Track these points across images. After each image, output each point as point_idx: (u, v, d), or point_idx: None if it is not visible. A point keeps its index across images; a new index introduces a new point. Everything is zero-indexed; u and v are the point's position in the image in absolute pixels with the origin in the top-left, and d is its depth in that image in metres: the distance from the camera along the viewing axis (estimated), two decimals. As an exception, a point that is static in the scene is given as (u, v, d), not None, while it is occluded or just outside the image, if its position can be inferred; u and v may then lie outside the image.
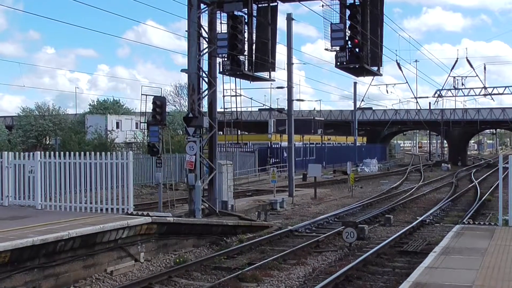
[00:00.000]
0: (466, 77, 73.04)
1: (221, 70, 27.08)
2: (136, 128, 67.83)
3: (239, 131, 57.77)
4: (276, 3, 28.70)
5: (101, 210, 18.09)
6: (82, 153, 18.59)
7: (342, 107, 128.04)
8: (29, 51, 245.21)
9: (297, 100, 58.84)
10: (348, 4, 26.31)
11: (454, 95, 76.43)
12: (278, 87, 50.20)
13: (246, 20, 27.49)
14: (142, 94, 26.74)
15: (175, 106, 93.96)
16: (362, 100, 79.20)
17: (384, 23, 30.42)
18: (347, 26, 27.80)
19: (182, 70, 25.17)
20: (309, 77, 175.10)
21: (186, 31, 24.01)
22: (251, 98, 61.26)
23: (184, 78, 28.62)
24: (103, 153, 18.37)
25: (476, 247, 15.43)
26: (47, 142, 68.70)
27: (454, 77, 73.59)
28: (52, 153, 18.90)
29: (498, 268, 12.89)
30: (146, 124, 27.06)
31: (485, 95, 73.37)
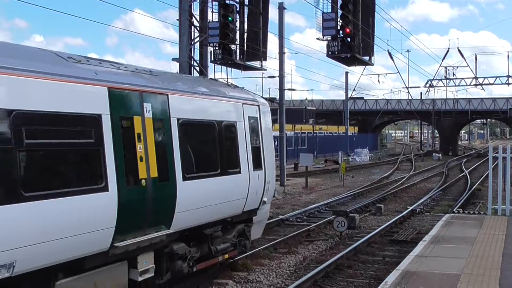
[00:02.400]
0: (457, 67, 73.11)
1: (212, 59, 27.02)
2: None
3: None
4: (267, -8, 28.68)
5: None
6: None
7: (333, 96, 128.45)
8: (17, 40, 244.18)
9: (289, 89, 58.80)
10: (339, -7, 26.25)
11: (445, 85, 76.54)
12: (269, 77, 50.03)
13: (237, 9, 27.44)
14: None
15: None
16: (354, 89, 79.18)
17: (375, 13, 30.45)
18: (338, 16, 27.80)
19: (173, 59, 25.08)
20: (299, 66, 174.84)
21: (177, 19, 23.91)
22: (242, 88, 61.11)
23: (174, 68, 28.67)
24: None
25: (465, 236, 15.55)
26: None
27: (445, 67, 73.67)
28: None
29: (487, 257, 13.00)
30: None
31: (476, 85, 73.52)
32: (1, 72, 7.98)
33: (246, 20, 29.09)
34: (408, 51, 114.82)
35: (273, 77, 46.13)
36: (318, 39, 28.73)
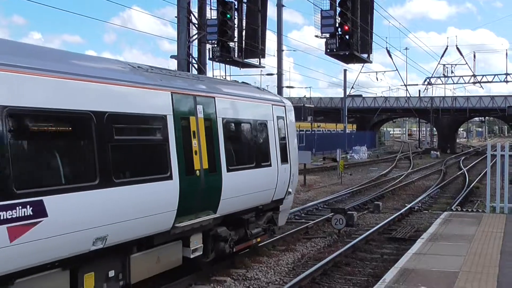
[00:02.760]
0: (455, 65, 73.14)
1: (210, 56, 27.02)
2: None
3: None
4: (266, -10, 28.65)
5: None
6: None
7: (331, 94, 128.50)
8: (15, 37, 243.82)
9: (287, 87, 58.88)
10: (338, -10, 26.23)
11: (443, 83, 76.59)
12: (268, 74, 50.04)
13: (236, 6, 27.43)
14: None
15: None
16: (352, 87, 79.23)
17: (374, 10, 30.44)
18: (337, 13, 27.80)
19: (172, 56, 25.02)
20: (297, 64, 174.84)
21: (175, 17, 23.88)
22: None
23: (172, 65, 28.69)
24: None
25: (463, 234, 15.55)
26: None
27: (444, 65, 73.69)
28: None
29: (485, 255, 13.00)
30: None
31: (474, 83, 73.55)
32: (107, 82, 10.03)
33: (244, 18, 29.10)
34: (406, 48, 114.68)
35: (271, 74, 46.12)
36: (316, 36, 28.76)
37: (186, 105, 12.18)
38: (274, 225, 16.61)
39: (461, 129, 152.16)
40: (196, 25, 24.76)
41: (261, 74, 51.12)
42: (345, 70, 74.74)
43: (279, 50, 36.66)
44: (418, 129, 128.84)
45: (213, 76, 26.65)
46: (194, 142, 12.26)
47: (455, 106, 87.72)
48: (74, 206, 8.99)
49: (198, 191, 12.22)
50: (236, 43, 28.15)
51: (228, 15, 26.07)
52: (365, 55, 31.08)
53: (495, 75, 73.82)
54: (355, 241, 17.80)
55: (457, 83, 75.73)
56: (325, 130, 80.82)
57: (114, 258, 10.41)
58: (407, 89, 78.13)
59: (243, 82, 17.64)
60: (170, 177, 11.21)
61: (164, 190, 11.10)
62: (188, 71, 23.37)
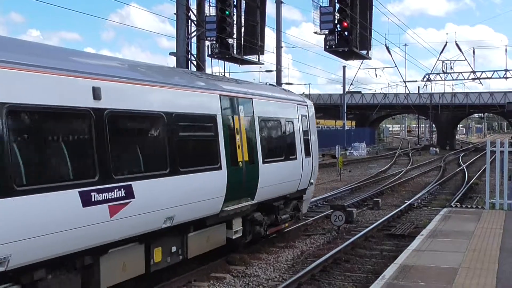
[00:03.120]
0: (454, 61, 73.11)
1: (209, 53, 26.99)
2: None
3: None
4: (265, -14, 28.60)
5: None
6: None
7: (329, 90, 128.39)
8: (14, 34, 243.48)
9: (286, 83, 58.63)
10: (337, -13, 26.19)
11: (443, 79, 76.53)
12: (267, 71, 49.89)
13: (235, 3, 27.38)
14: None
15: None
16: (351, 83, 79.23)
17: (373, 7, 30.39)
18: (336, 9, 27.75)
19: (171, 53, 25.03)
20: (296, 60, 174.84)
21: (174, 14, 23.86)
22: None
23: (171, 62, 28.70)
24: None
25: (463, 230, 15.55)
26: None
27: (443, 61, 73.68)
28: None
29: (484, 251, 13.00)
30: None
31: (473, 79, 73.54)
32: (175, 88, 12.18)
33: (243, 14, 29.06)
34: (405, 45, 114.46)
35: (270, 71, 46.05)
36: (315, 33, 28.73)
37: (231, 106, 14.13)
38: (299, 212, 18.61)
39: (460, 125, 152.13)
40: (195, 22, 24.76)
41: (260, 71, 51.08)
42: (344, 67, 74.74)
43: (278, 47, 36.61)
44: (417, 125, 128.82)
45: (212, 72, 26.65)
46: (237, 137, 14.18)
47: (454, 103, 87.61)
48: (152, 190, 10.86)
49: (241, 180, 14.16)
50: (235, 39, 28.13)
51: (227, 12, 26.05)
52: (364, 52, 31.04)
53: (494, 71, 73.83)
54: (354, 237, 17.80)
55: (456, 79, 75.70)
56: (324, 127, 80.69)
57: (176, 236, 12.27)
58: (406, 86, 78.17)
59: (270, 84, 19.89)
60: (220, 168, 13.17)
61: (216, 179, 13.03)
62: (187, 68, 23.36)
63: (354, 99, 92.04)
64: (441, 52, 73.13)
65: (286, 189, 17.10)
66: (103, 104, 9.80)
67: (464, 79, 74.92)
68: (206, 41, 26.01)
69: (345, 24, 27.53)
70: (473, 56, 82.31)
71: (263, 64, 33.15)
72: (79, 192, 9.17)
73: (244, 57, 29.56)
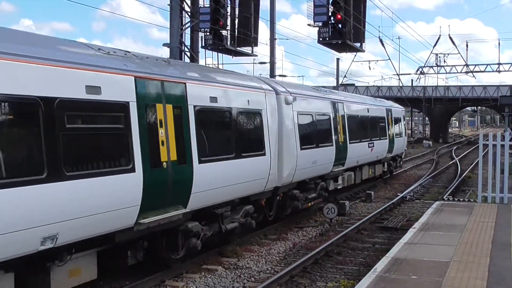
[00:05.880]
0: (448, 54, 73.02)
1: (203, 44, 26.88)
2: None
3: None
4: (259, -23, 28.48)
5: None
6: None
7: (321, 83, 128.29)
8: (6, 24, 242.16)
9: (280, 75, 58.45)
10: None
11: (436, 72, 76.50)
12: (260, 63, 49.69)
13: (229, -6, 27.22)
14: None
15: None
16: (345, 76, 79.04)
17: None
18: (330, 2, 27.67)
19: (164, 45, 24.88)
20: (288, 52, 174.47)
21: (168, 4, 23.71)
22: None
23: (164, 53, 28.51)
24: None
25: (455, 223, 15.57)
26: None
27: (436, 54, 73.61)
28: None
29: (476, 244, 13.02)
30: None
31: (467, 72, 73.49)
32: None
33: (237, 6, 28.95)
34: (399, 38, 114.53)
35: (264, 63, 45.88)
36: (309, 25, 28.65)
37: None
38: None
39: (454, 118, 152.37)
40: (189, 13, 24.61)
41: (253, 63, 50.84)
42: (337, 59, 74.31)
43: (272, 39, 36.46)
44: (410, 118, 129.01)
45: (205, 64, 26.58)
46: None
47: (447, 96, 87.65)
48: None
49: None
50: (229, 31, 28.03)
51: (221, 3, 25.91)
52: (357, 44, 31.01)
53: (487, 64, 73.75)
54: (346, 230, 17.81)
55: (449, 72, 75.66)
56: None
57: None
58: (399, 78, 78.05)
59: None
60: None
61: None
62: (181, 59, 23.25)
63: (347, 92, 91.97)
64: (435, 45, 73.07)
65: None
66: None
67: (458, 72, 74.91)
68: (200, 33, 25.90)
69: (339, 16, 27.46)
70: (467, 50, 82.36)
71: (257, 56, 33.07)
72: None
73: (238, 48, 29.47)
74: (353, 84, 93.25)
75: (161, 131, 11.71)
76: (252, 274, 13.57)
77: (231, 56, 30.60)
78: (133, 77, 11.05)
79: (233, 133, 14.68)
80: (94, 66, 10.19)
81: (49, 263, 9.76)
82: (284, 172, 17.35)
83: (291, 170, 17.79)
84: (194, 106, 12.87)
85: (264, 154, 16.04)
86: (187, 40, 24.78)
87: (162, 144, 11.68)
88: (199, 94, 13.20)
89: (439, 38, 69.99)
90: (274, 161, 16.56)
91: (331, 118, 21.88)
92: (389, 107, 32.32)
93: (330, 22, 27.68)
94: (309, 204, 20.20)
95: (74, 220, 9.42)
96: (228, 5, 27.30)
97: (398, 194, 26.78)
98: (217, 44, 27.34)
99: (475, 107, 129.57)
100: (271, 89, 17.31)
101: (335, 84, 75.49)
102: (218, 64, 28.00)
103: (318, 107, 20.95)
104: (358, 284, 10.23)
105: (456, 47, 69.42)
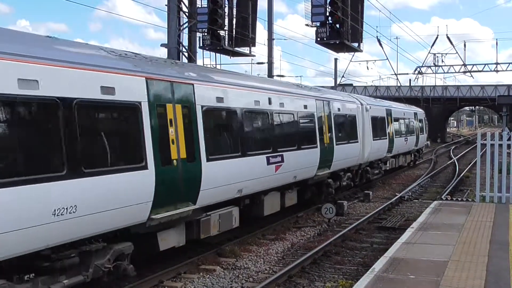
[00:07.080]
0: (446, 54, 73.06)
1: (201, 45, 26.90)
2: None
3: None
4: (256, -22, 28.48)
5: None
6: None
7: (319, 83, 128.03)
8: (4, 25, 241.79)
9: (278, 76, 58.39)
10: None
11: (434, 72, 76.53)
12: (258, 63, 49.92)
13: (226, -5, 27.22)
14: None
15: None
16: (342, 76, 79.04)
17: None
18: (327, 2, 27.67)
19: (162, 45, 24.91)
20: (286, 52, 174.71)
21: (165, 5, 23.72)
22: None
23: (161, 54, 28.46)
24: None
25: (453, 223, 15.56)
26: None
27: (434, 54, 73.65)
28: None
29: (474, 244, 13.02)
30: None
31: (464, 72, 73.56)
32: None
33: (235, 6, 28.95)
34: (397, 38, 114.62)
35: (261, 63, 45.99)
36: (307, 25, 28.68)
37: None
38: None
39: (452, 118, 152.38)
40: (187, 14, 24.62)
41: (251, 63, 50.93)
42: (335, 59, 74.39)
43: (270, 39, 36.44)
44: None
45: (203, 64, 26.59)
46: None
47: (445, 96, 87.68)
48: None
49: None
50: (227, 31, 28.04)
51: (219, 3, 25.92)
52: (355, 44, 31.05)
53: (485, 64, 73.83)
54: (345, 230, 17.81)
55: (447, 72, 75.69)
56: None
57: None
58: (397, 78, 78.14)
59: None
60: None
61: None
62: (178, 59, 23.26)
63: (345, 92, 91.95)
64: (432, 45, 72.99)
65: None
66: None
67: (455, 72, 74.96)
68: (197, 33, 25.91)
69: (337, 16, 27.49)
70: (464, 50, 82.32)
71: (255, 56, 33.11)
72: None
73: (236, 49, 29.49)
74: (351, 84, 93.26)
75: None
76: (250, 274, 13.57)
77: (229, 57, 30.62)
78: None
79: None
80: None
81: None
82: (365, 154, 26.15)
83: (368, 154, 26.50)
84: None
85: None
86: (184, 40, 24.81)
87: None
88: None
89: (437, 38, 70.14)
90: (362, 146, 25.62)
91: (385, 119, 30.76)
92: (416, 111, 42.69)
93: (328, 22, 27.71)
94: (374, 177, 29.56)
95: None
96: (226, 5, 27.31)
97: (396, 194, 26.78)
98: (215, 45, 27.36)
99: (473, 107, 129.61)
100: (359, 103, 26.63)
101: (333, 84, 75.56)
102: (216, 64, 27.99)
103: (382, 112, 30.43)
104: (356, 284, 10.22)
105: (454, 47, 69.48)
